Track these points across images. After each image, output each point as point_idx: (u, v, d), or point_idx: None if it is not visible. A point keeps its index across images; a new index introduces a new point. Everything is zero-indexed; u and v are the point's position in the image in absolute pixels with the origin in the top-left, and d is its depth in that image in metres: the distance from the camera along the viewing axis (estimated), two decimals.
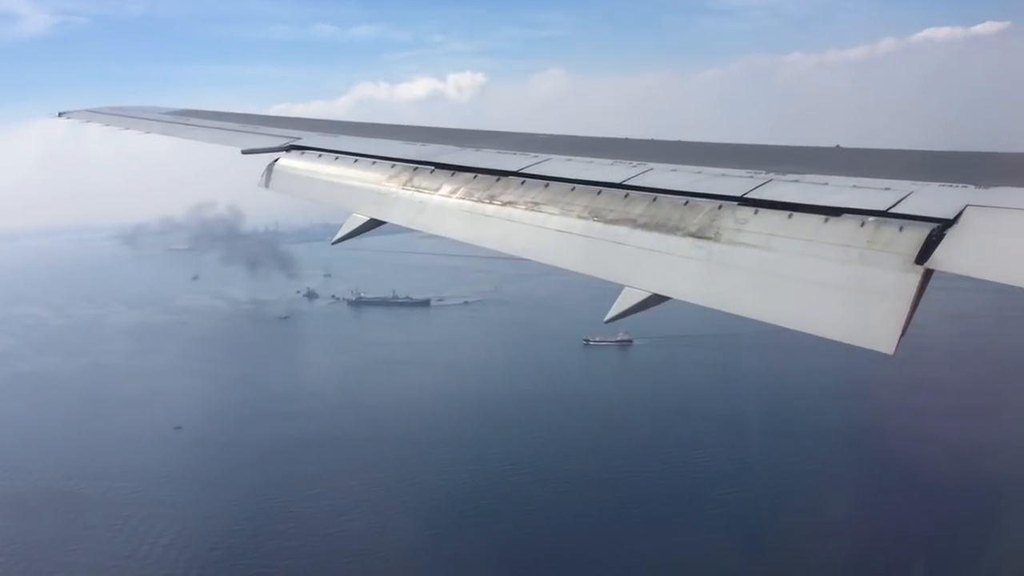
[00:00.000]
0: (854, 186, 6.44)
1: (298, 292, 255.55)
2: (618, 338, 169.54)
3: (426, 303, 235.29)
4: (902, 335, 5.15)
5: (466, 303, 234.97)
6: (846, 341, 5.40)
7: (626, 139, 10.85)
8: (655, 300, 6.70)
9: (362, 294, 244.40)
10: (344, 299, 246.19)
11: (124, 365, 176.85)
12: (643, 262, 6.99)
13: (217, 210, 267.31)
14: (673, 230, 7.00)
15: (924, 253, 5.29)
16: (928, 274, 5.25)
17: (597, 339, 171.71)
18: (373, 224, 10.47)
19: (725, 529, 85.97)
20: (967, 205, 5.50)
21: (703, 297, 6.47)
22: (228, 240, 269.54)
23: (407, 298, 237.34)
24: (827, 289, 5.73)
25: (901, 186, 6.12)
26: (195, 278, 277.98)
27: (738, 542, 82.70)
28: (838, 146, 8.64)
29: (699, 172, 7.68)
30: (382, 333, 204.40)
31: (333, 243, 10.94)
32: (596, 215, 7.78)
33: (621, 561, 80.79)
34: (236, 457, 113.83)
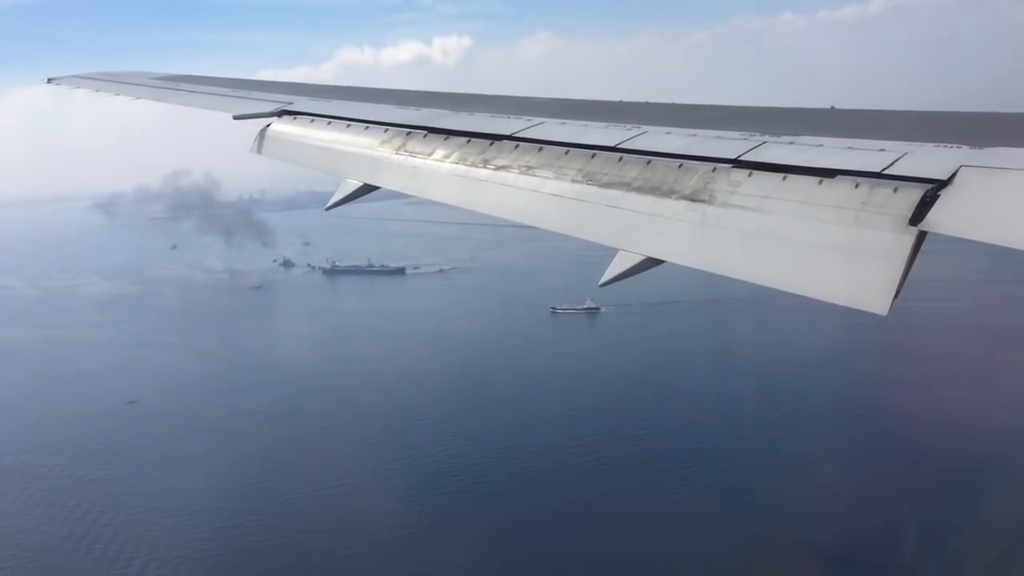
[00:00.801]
0: (848, 147, 6.42)
1: (274, 261, 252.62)
2: (585, 306, 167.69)
3: (401, 271, 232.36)
4: (895, 297, 5.16)
5: (441, 271, 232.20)
6: (840, 303, 5.42)
7: (620, 102, 10.79)
8: (649, 263, 6.71)
9: (337, 263, 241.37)
10: (319, 268, 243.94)
11: (88, 337, 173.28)
12: (637, 225, 6.99)
13: (193, 178, 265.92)
14: (667, 193, 6.99)
15: (918, 214, 5.30)
16: (922, 235, 5.26)
17: (564, 307, 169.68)
18: (367, 189, 10.44)
19: (675, 509, 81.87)
20: (961, 166, 5.49)
21: (697, 260, 6.48)
22: (209, 209, 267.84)
23: (382, 266, 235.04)
24: (821, 251, 5.74)
25: (896, 147, 6.09)
26: (173, 247, 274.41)
27: (694, 521, 79.13)
28: (833, 107, 8.60)
29: (693, 135, 7.64)
30: (353, 302, 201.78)
31: (327, 209, 10.93)
32: (590, 179, 7.76)
33: (567, 549, 76.46)
34: (186, 432, 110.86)
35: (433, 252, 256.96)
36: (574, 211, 7.65)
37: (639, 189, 7.26)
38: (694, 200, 6.72)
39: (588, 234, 7.37)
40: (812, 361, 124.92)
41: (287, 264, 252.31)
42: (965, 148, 5.84)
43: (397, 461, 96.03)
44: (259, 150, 12.62)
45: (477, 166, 9.03)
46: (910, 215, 5.32)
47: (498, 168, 8.76)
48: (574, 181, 7.87)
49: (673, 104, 10.24)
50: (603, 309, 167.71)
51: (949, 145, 5.97)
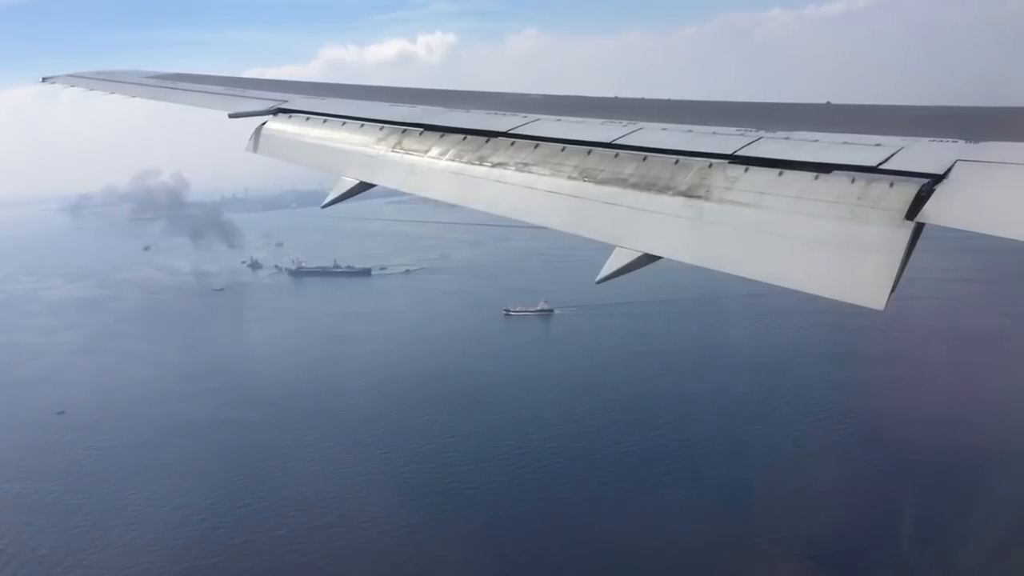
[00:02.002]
0: (844, 142, 6.43)
1: (243, 262, 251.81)
2: (538, 307, 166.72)
3: (367, 272, 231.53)
4: (892, 291, 5.18)
5: (408, 271, 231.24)
6: (836, 298, 5.43)
7: (616, 98, 10.79)
8: (646, 260, 6.72)
9: (303, 264, 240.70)
10: (286, 269, 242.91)
11: (37, 343, 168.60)
12: (634, 222, 7.00)
13: (162, 178, 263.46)
14: (664, 189, 6.99)
15: (914, 208, 5.31)
16: (918, 229, 5.27)
17: (518, 309, 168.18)
18: (363, 187, 10.43)
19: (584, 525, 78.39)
20: (957, 160, 5.51)
21: (694, 256, 6.49)
22: (182, 210, 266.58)
23: (349, 267, 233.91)
24: (818, 246, 5.75)
25: (891, 142, 6.11)
26: (146, 249, 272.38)
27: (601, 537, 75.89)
28: (828, 102, 8.61)
29: (689, 131, 7.65)
30: (313, 305, 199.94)
31: (323, 207, 10.97)
32: (586, 175, 7.76)
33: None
34: (110, 445, 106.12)
35: (405, 252, 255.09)
36: (571, 208, 7.65)
37: (636, 185, 7.26)
38: (691, 196, 6.73)
39: (585, 231, 7.37)
40: (763, 364, 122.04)
41: (255, 265, 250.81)
42: (961, 143, 5.87)
43: (310, 479, 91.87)
44: (255, 148, 12.59)
45: (473, 163, 9.02)
46: (906, 210, 5.33)
47: (494, 165, 8.75)
48: (570, 178, 7.87)
49: (669, 100, 10.25)
50: (557, 311, 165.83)
51: (945, 140, 6.00)
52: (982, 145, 5.77)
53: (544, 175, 8.15)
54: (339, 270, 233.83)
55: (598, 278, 6.89)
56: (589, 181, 7.68)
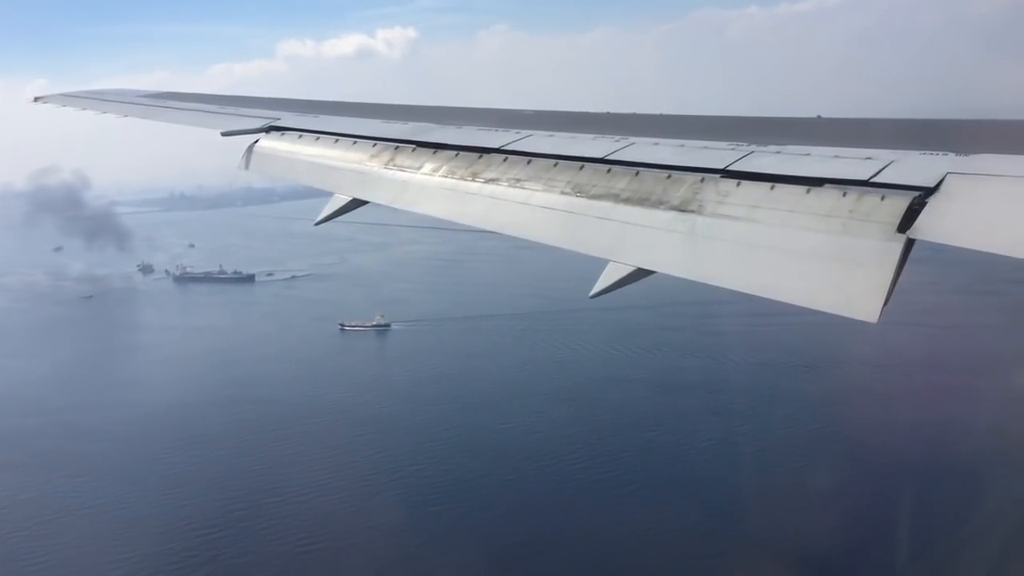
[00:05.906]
0: (835, 156, 6.46)
1: (137, 266, 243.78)
2: (373, 322, 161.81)
3: (251, 279, 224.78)
4: (885, 304, 5.18)
5: (293, 277, 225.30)
6: (829, 311, 5.43)
7: (608, 113, 10.85)
8: (639, 274, 6.72)
9: (188, 269, 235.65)
10: (172, 275, 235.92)
11: None
12: (627, 236, 7.00)
13: (63, 176, 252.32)
14: (656, 204, 7.01)
15: (906, 222, 5.32)
16: (910, 243, 5.29)
17: (353, 324, 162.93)
18: (356, 204, 10.44)
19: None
20: (948, 173, 5.53)
21: (687, 270, 6.50)
22: (80, 209, 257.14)
23: (235, 272, 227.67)
24: (810, 259, 5.75)
25: (882, 155, 6.13)
26: (57, 249, 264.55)
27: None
28: (819, 116, 8.67)
29: (681, 145, 7.68)
30: (168, 316, 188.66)
31: (316, 224, 10.95)
32: (579, 190, 7.77)
33: None
34: None
35: (308, 255, 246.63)
36: (563, 223, 7.66)
37: (628, 200, 7.27)
38: (683, 210, 6.74)
39: (578, 245, 7.38)
40: (575, 393, 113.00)
41: (146, 269, 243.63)
42: (951, 155, 5.90)
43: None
44: (247, 166, 12.60)
45: (466, 179, 9.03)
46: (898, 222, 5.35)
47: (487, 181, 8.76)
48: (563, 193, 7.88)
49: (660, 115, 10.32)
50: (395, 326, 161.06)
51: (935, 152, 6.03)
52: (972, 158, 5.80)
53: (537, 191, 8.16)
54: (223, 276, 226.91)
55: (591, 293, 6.89)
56: (582, 196, 7.69)
